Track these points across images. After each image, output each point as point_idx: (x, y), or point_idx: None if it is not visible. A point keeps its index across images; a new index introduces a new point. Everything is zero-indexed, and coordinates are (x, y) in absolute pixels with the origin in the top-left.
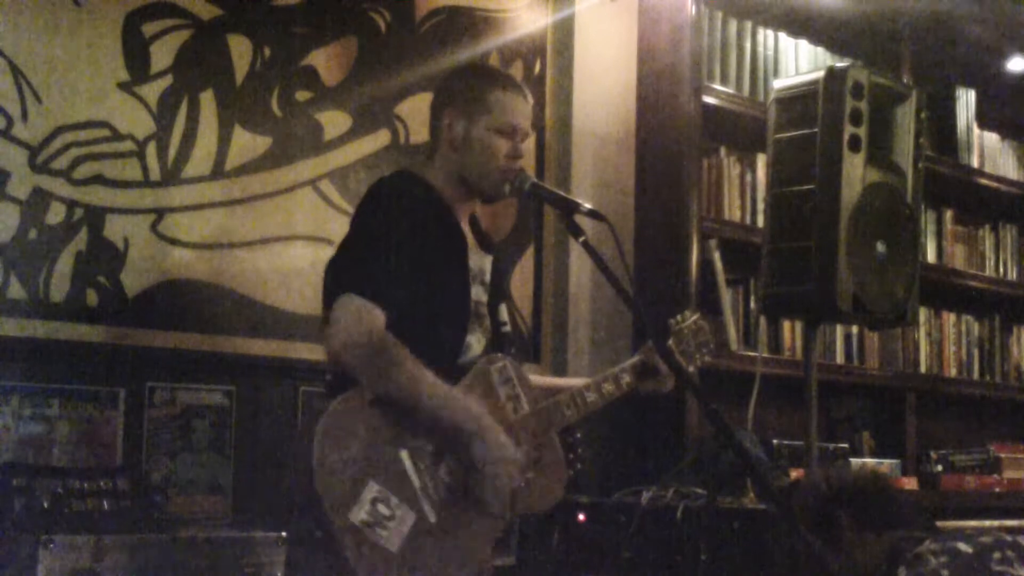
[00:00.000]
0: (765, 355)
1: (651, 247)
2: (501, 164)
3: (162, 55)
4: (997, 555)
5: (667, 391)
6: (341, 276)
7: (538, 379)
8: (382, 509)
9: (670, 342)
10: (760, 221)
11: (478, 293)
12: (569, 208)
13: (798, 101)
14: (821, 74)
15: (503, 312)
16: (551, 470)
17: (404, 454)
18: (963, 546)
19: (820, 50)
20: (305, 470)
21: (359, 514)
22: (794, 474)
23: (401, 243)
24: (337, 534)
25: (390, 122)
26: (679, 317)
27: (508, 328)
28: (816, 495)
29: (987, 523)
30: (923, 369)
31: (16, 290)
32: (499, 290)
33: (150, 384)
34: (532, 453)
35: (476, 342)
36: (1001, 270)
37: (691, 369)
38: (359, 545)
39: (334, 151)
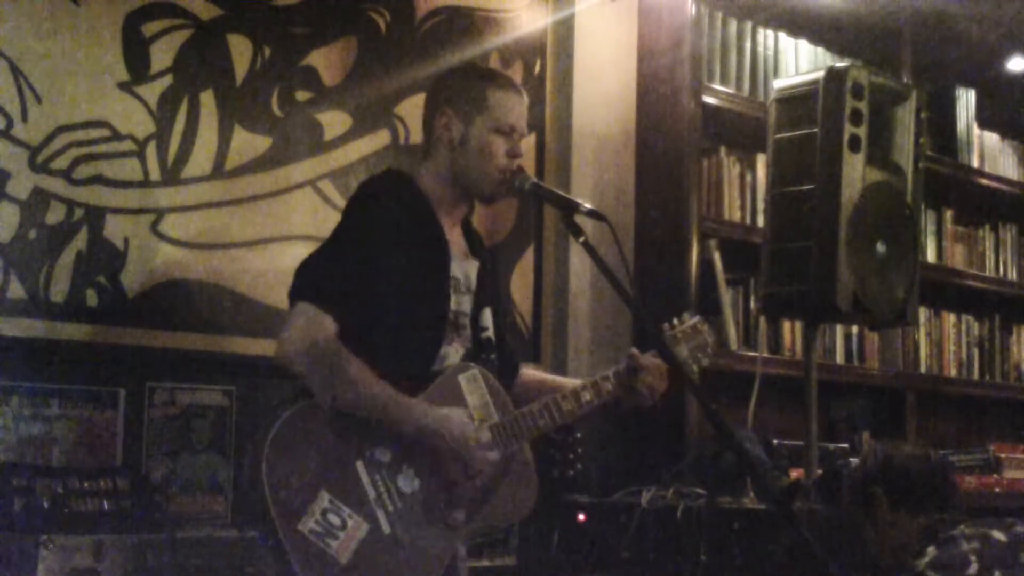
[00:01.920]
0: (765, 355)
1: (651, 247)
2: (500, 164)
3: (162, 55)
4: (972, 569)
5: (649, 405)
6: (300, 282)
7: (531, 374)
8: (333, 519)
9: (652, 353)
10: (760, 221)
11: (460, 303)
12: (569, 208)
13: (798, 101)
14: (821, 74)
15: (485, 317)
16: (520, 482)
17: (359, 464)
18: (997, 533)
19: (820, 50)
20: (255, 478)
21: (308, 523)
22: (794, 474)
23: (374, 250)
24: (286, 543)
25: (390, 122)
26: (675, 321)
27: (489, 334)
28: (859, 470)
29: None
30: (923, 369)
31: (16, 290)
32: (484, 295)
33: (150, 384)
34: (501, 464)
35: (454, 352)
36: (1001, 270)
37: (692, 374)
38: (307, 555)
39: (334, 151)
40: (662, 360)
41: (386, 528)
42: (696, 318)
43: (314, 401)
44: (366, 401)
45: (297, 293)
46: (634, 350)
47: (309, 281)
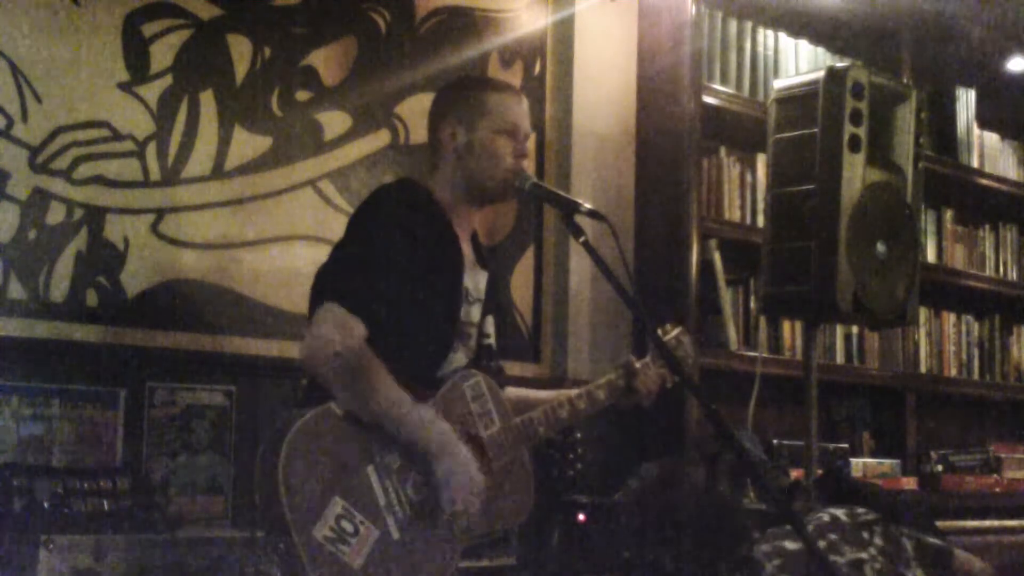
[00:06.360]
0: (765, 355)
1: (651, 247)
2: (508, 164)
3: (162, 55)
4: (822, 543)
5: (646, 406)
6: (327, 284)
7: (514, 391)
8: (346, 525)
9: (647, 358)
10: (760, 221)
11: (469, 313)
12: (569, 208)
13: (798, 101)
14: (821, 74)
15: (488, 324)
16: (519, 487)
17: (371, 470)
18: (790, 544)
19: (820, 50)
20: (270, 482)
21: (323, 530)
22: (794, 474)
23: (394, 256)
24: (300, 548)
25: (390, 122)
26: (659, 331)
27: (491, 341)
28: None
29: (987, 523)
30: (923, 369)
31: (16, 290)
32: (488, 304)
33: (150, 384)
34: (502, 470)
35: (458, 361)
36: (1001, 270)
37: (668, 385)
38: (321, 561)
39: (334, 151)
40: (661, 361)
41: (396, 534)
42: (678, 329)
43: (327, 405)
44: (388, 412)
45: (323, 294)
46: (630, 357)
47: (336, 282)
